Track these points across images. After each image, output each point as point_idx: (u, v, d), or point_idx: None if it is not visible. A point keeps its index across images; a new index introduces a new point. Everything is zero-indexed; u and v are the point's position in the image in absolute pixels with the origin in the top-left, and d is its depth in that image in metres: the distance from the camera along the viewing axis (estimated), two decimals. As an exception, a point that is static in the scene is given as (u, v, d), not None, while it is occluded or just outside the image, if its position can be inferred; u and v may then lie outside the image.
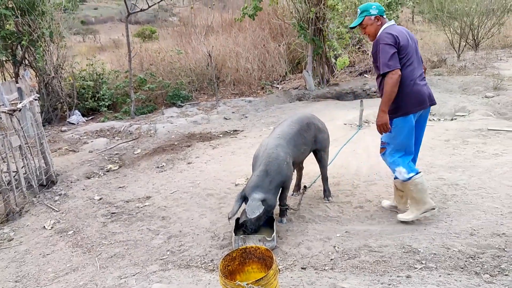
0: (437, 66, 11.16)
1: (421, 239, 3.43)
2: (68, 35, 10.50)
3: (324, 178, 4.48)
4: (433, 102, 3.75)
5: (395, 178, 3.82)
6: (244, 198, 3.68)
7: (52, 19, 9.25)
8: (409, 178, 3.65)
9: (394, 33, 3.53)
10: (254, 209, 3.46)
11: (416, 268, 3.04)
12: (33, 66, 9.25)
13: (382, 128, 3.58)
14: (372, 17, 3.66)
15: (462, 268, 2.99)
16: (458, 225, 3.62)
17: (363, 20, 3.70)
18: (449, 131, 6.20)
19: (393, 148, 3.72)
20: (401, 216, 3.81)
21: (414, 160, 3.90)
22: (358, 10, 3.75)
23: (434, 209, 3.73)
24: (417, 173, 3.68)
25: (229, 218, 3.62)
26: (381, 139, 3.79)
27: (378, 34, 3.63)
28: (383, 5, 9.66)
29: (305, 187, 4.64)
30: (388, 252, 3.30)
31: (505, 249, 3.16)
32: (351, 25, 3.84)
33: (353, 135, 5.50)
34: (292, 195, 4.56)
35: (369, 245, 3.43)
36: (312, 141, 4.21)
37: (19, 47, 9.20)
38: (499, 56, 11.84)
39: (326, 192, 4.49)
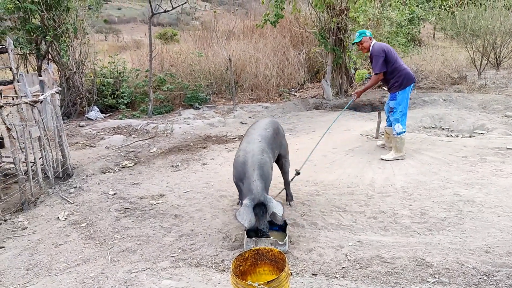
0: (457, 83, 11.07)
1: (435, 253, 3.39)
2: (91, 33, 10.65)
3: (287, 183, 4.57)
4: (415, 80, 5.86)
5: (388, 125, 6.09)
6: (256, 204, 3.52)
7: (76, 16, 9.41)
8: (399, 134, 5.72)
9: (382, 47, 5.59)
10: (279, 207, 3.48)
11: (428, 281, 3.00)
12: (55, 60, 9.41)
13: (357, 97, 6.06)
14: (367, 37, 5.73)
15: (476, 285, 2.94)
16: (473, 241, 3.57)
17: (362, 39, 5.72)
18: (467, 148, 6.12)
19: (398, 110, 5.74)
20: (383, 156, 5.84)
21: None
22: (357, 33, 5.81)
23: (404, 156, 5.77)
24: (405, 132, 5.78)
25: (247, 229, 3.46)
26: (390, 105, 5.85)
27: (370, 48, 5.66)
28: (405, 20, 9.63)
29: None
30: (400, 264, 3.26)
31: (521, 269, 3.10)
32: (353, 41, 5.91)
33: (336, 117, 5.82)
34: None
35: (381, 256, 3.39)
36: (279, 146, 4.28)
37: (43, 41, 9.36)
38: (521, 76, 11.68)
39: (289, 197, 4.59)
